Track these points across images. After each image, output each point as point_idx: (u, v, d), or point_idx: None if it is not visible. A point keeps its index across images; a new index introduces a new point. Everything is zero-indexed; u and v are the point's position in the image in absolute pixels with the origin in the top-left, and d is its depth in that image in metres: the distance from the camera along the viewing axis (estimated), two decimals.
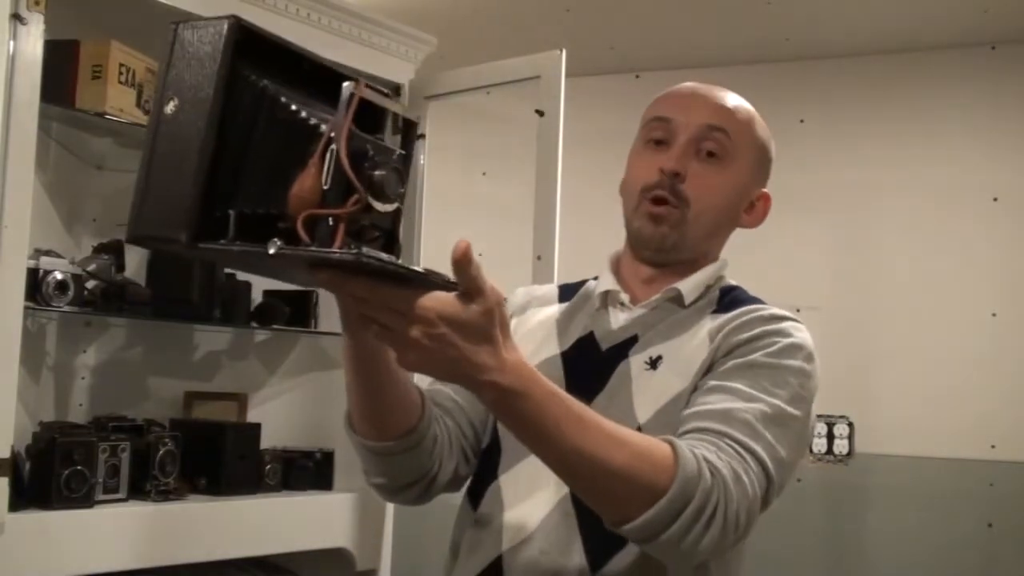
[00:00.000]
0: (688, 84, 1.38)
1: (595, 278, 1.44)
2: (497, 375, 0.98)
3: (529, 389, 1.00)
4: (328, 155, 0.93)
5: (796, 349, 1.22)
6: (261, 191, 0.97)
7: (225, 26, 0.96)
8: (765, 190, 1.39)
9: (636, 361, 1.27)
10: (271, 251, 0.91)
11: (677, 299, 1.33)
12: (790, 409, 1.17)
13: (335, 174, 0.93)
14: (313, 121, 0.97)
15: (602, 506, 1.07)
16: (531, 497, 1.25)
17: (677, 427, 1.16)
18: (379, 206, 0.96)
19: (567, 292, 1.44)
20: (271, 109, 0.98)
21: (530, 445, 1.06)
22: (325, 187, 0.93)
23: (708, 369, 1.22)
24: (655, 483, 1.03)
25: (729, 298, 1.34)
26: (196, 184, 0.95)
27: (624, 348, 1.29)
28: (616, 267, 1.40)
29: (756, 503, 1.10)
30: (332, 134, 0.94)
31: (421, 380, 1.18)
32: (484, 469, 1.32)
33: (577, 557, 1.21)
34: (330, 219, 0.92)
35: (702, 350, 1.25)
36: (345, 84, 0.97)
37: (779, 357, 1.20)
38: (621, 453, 1.03)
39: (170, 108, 0.98)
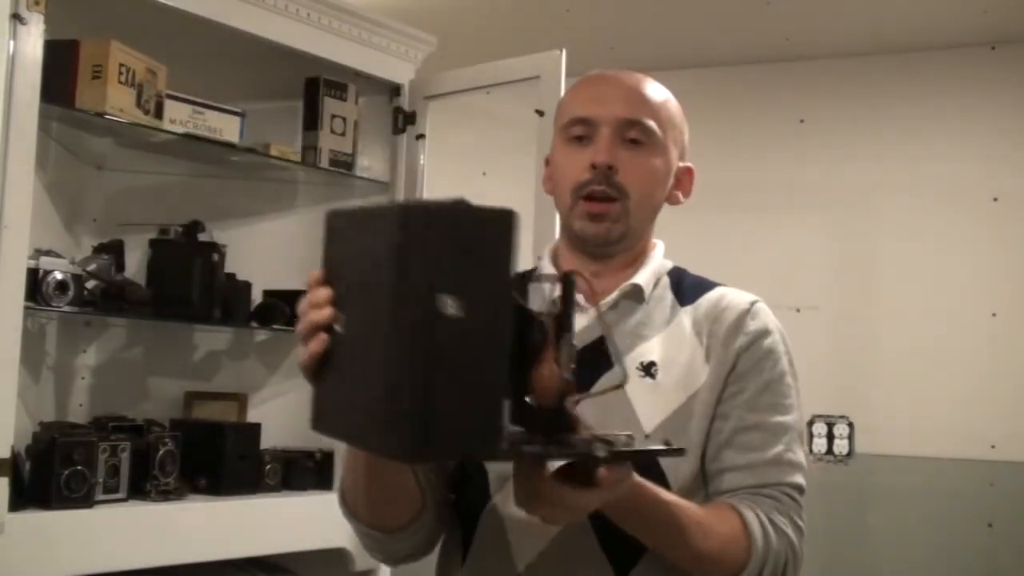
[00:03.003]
0: (597, 76, 1.37)
1: (531, 271, 1.42)
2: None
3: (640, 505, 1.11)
4: (563, 344, 0.97)
5: (779, 342, 1.31)
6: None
7: (511, 220, 0.90)
8: (688, 164, 1.40)
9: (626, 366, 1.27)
10: (601, 454, 0.95)
11: (637, 294, 1.33)
12: (798, 414, 1.30)
13: (569, 361, 0.97)
14: (531, 311, 0.99)
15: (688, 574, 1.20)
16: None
17: (680, 434, 1.22)
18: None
19: None
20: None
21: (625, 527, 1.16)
22: (566, 376, 0.96)
23: (723, 384, 1.27)
24: (736, 561, 1.17)
25: (686, 284, 1.36)
26: (503, 390, 0.90)
27: (598, 352, 1.26)
28: (556, 262, 1.38)
29: (805, 526, 1.25)
30: (553, 324, 0.97)
31: None
32: (471, 493, 1.29)
33: (603, 567, 1.21)
34: (570, 403, 0.97)
35: (697, 354, 1.28)
36: (568, 275, 1.00)
37: (777, 362, 1.29)
38: (708, 543, 1.15)
39: (453, 308, 0.87)
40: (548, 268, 1.38)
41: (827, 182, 3.80)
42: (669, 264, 1.39)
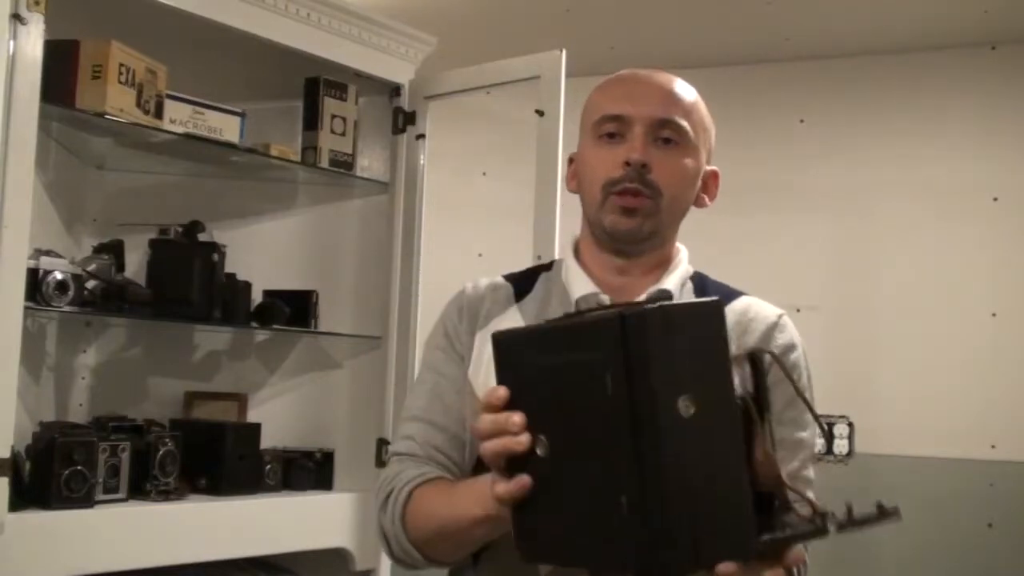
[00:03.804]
0: (628, 74, 1.36)
1: (547, 267, 1.40)
2: None
3: None
4: (767, 424, 0.94)
5: (802, 356, 1.32)
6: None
7: (713, 310, 0.90)
8: (714, 168, 1.39)
9: None
10: (833, 529, 0.94)
11: (665, 300, 1.31)
12: (813, 430, 1.29)
13: (773, 440, 0.95)
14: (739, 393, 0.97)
15: None
16: None
17: None
18: None
19: (520, 287, 1.39)
20: None
21: None
22: (773, 451, 0.94)
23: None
24: None
25: (710, 291, 1.34)
26: (748, 491, 0.87)
27: None
28: (580, 260, 1.36)
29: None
30: (753, 404, 0.94)
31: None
32: None
33: None
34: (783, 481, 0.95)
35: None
36: (755, 353, 0.96)
37: (800, 377, 1.30)
38: None
39: (688, 408, 0.86)
40: (577, 272, 1.35)
41: (827, 182, 3.80)
42: (691, 269, 1.38)
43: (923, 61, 3.72)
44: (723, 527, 0.87)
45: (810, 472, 1.27)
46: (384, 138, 2.75)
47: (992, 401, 3.49)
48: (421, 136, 2.72)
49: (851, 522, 0.98)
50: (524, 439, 0.96)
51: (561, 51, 2.45)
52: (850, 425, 3.68)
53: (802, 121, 3.86)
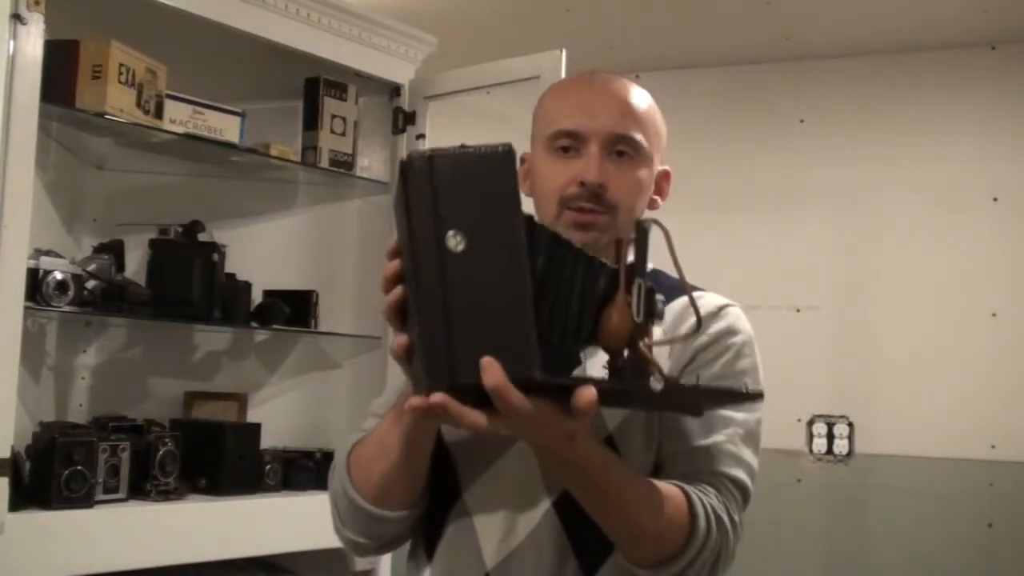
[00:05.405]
0: (583, 83, 1.35)
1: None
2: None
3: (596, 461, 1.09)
4: (637, 290, 1.00)
5: (745, 345, 1.29)
6: (562, 326, 0.99)
7: (504, 154, 0.94)
8: (666, 168, 1.38)
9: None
10: (658, 387, 0.97)
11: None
12: (752, 416, 1.26)
13: (646, 307, 1.00)
14: (600, 259, 1.02)
15: (624, 550, 1.17)
16: (507, 511, 1.23)
17: (642, 432, 1.22)
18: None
19: None
20: (553, 246, 0.98)
21: (579, 495, 1.14)
22: (638, 319, 0.99)
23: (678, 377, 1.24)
24: (674, 545, 1.14)
25: (663, 288, 1.33)
26: (529, 318, 0.93)
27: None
28: None
29: (741, 529, 1.21)
30: (626, 271, 1.01)
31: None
32: (440, 488, 1.28)
33: (572, 568, 1.20)
34: (643, 346, 1.00)
35: (661, 353, 1.24)
36: (641, 223, 1.02)
37: (736, 362, 1.27)
38: (652, 521, 1.12)
39: (458, 245, 0.93)
40: None
41: (827, 182, 3.80)
42: (649, 267, 1.38)
43: (923, 61, 3.72)
44: (504, 352, 0.92)
45: (739, 449, 1.22)
46: (384, 138, 2.75)
47: (992, 401, 3.49)
48: (421, 136, 2.72)
49: (684, 388, 1.03)
50: (396, 292, 1.01)
51: (561, 51, 2.45)
52: (850, 425, 3.68)
53: (802, 121, 3.87)
